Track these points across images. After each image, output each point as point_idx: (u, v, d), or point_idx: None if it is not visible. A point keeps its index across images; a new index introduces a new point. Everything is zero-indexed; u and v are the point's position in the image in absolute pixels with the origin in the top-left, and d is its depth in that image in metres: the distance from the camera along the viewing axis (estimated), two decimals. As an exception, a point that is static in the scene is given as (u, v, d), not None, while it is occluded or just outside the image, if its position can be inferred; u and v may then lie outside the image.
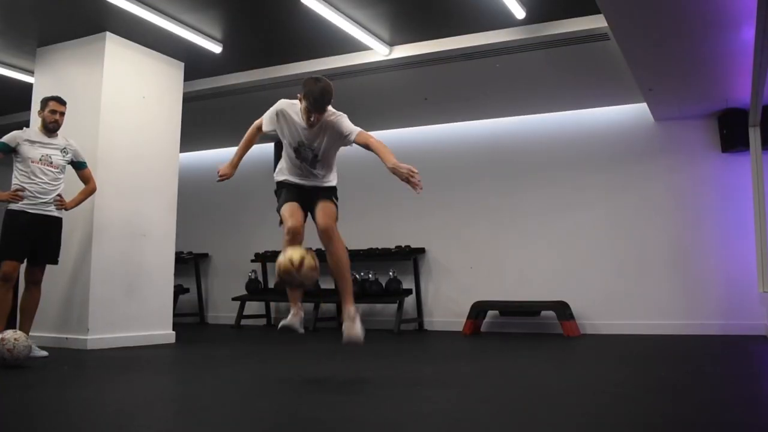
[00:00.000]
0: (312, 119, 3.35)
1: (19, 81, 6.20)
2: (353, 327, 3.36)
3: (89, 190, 4.82)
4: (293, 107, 3.45)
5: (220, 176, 3.63)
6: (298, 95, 3.36)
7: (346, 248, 3.52)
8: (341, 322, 3.38)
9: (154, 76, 5.74)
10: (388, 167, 3.31)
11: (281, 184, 3.60)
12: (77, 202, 4.74)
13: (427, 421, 2.48)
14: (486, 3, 4.80)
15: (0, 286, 4.32)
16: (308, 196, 3.53)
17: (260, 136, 3.69)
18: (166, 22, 5.12)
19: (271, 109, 3.54)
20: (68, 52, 5.46)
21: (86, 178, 4.81)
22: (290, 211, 3.44)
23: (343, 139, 3.47)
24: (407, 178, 3.24)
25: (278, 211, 3.54)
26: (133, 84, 5.51)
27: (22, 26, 5.26)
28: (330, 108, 3.45)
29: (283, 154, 3.62)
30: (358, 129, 3.47)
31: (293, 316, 3.51)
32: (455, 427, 2.35)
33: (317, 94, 3.29)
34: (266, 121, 3.56)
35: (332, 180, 3.65)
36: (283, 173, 3.62)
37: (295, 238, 3.36)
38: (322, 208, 3.47)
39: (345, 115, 3.48)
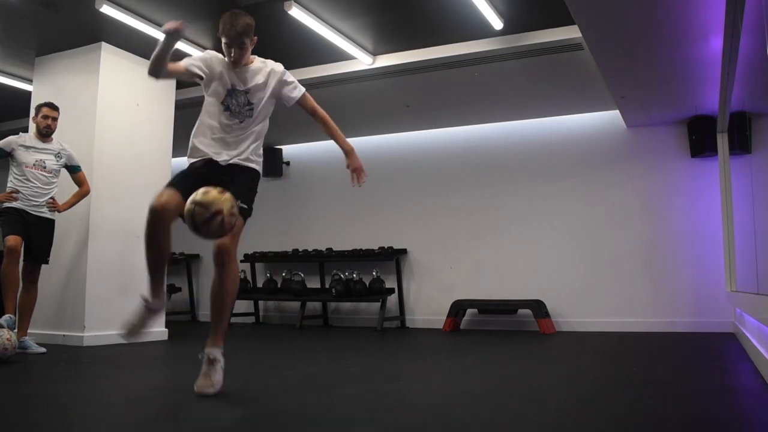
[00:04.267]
0: (233, 55, 2.93)
1: (19, 89, 6.26)
2: (209, 375, 2.76)
3: (82, 192, 4.87)
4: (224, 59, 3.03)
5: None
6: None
7: (239, 278, 2.87)
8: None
9: (147, 84, 5.58)
10: (346, 148, 3.15)
11: (183, 172, 3.03)
12: (70, 204, 4.79)
13: (409, 412, 2.51)
14: (465, 14, 4.84)
15: (7, 262, 4.32)
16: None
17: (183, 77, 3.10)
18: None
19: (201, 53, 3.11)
20: (65, 62, 5.52)
21: (80, 181, 4.86)
22: (167, 193, 2.83)
23: (288, 90, 3.07)
24: (358, 168, 3.15)
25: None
26: (127, 92, 5.56)
27: (21, 37, 5.32)
28: (270, 61, 3.11)
29: (202, 119, 3.08)
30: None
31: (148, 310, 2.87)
32: (436, 418, 2.40)
33: (230, 23, 2.89)
34: (194, 58, 3.05)
35: (255, 157, 3.08)
36: (195, 150, 3.04)
37: (156, 219, 2.76)
38: None
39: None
